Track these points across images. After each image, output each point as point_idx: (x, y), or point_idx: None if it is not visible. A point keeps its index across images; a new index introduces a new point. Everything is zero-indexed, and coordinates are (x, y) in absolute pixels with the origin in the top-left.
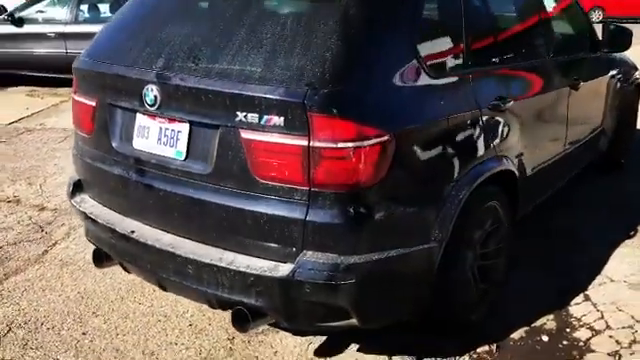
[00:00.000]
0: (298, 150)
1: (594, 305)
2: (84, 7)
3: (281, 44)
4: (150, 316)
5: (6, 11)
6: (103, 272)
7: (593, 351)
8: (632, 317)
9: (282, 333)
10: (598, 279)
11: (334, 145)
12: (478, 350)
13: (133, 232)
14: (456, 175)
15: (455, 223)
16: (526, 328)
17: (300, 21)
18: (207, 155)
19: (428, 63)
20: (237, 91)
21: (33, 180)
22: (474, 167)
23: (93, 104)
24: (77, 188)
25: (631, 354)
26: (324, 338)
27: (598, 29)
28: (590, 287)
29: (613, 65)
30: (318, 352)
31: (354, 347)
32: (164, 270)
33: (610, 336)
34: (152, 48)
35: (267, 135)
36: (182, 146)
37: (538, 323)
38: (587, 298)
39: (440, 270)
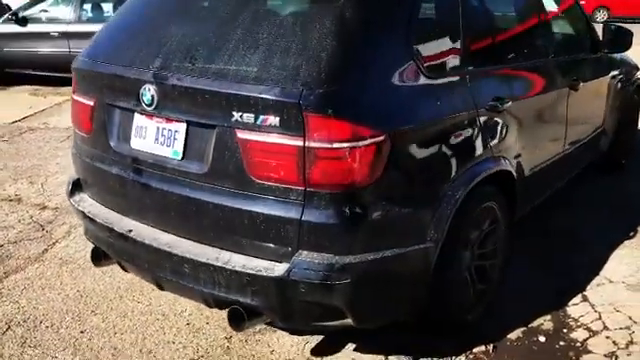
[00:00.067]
0: (294, 150)
1: (592, 306)
2: (87, 6)
3: (277, 44)
4: (148, 315)
5: (10, 10)
6: (102, 271)
7: (590, 352)
8: (629, 318)
9: (279, 332)
10: (597, 280)
11: (329, 145)
12: (474, 350)
13: (130, 231)
14: (452, 175)
15: (451, 223)
16: (523, 328)
17: (296, 21)
18: (204, 155)
19: (425, 63)
20: (233, 91)
21: (35, 179)
22: (471, 168)
23: (92, 104)
24: (76, 187)
25: (628, 355)
26: (321, 337)
27: (599, 29)
28: (588, 288)
29: (614, 65)
30: (315, 351)
31: (351, 347)
32: (161, 269)
33: (607, 337)
34: (150, 48)
35: (263, 135)
36: (179, 146)
37: (535, 323)
38: (585, 299)
39: (436, 270)
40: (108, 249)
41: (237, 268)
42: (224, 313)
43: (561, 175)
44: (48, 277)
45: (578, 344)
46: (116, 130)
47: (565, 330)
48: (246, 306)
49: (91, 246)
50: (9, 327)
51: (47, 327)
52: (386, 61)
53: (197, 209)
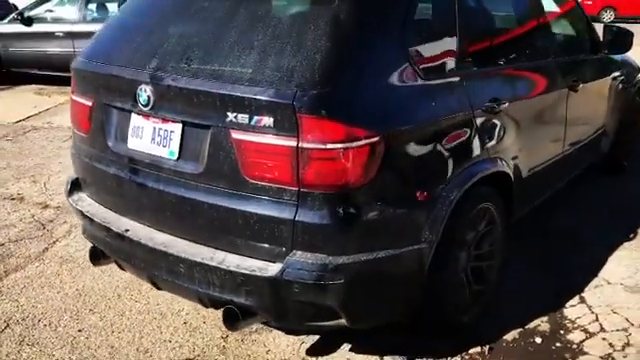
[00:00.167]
0: (287, 151)
1: (589, 307)
2: (92, 6)
3: (272, 46)
4: (146, 314)
5: (17, 9)
6: (102, 270)
7: (586, 353)
8: (627, 320)
9: (275, 332)
10: (595, 281)
11: (323, 146)
12: (470, 351)
13: (127, 231)
14: (447, 176)
15: (446, 224)
16: (520, 329)
17: (291, 23)
18: (199, 155)
19: (420, 65)
20: (228, 92)
21: (37, 178)
22: (466, 169)
23: (90, 104)
24: (75, 187)
25: (624, 357)
26: (316, 337)
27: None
28: (586, 289)
29: (615, 67)
30: (310, 351)
31: (346, 347)
32: (157, 269)
33: (604, 338)
34: (146, 49)
35: (257, 136)
36: (175, 146)
37: (532, 325)
38: (583, 300)
39: (431, 271)
40: (105, 248)
41: (231, 268)
42: (220, 313)
43: (560, 176)
44: (48, 276)
45: (574, 346)
46: (114, 130)
47: (562, 331)
48: (240, 306)
49: (90, 245)
50: (8, 325)
51: (45, 325)
52: (380, 62)
53: (192, 209)
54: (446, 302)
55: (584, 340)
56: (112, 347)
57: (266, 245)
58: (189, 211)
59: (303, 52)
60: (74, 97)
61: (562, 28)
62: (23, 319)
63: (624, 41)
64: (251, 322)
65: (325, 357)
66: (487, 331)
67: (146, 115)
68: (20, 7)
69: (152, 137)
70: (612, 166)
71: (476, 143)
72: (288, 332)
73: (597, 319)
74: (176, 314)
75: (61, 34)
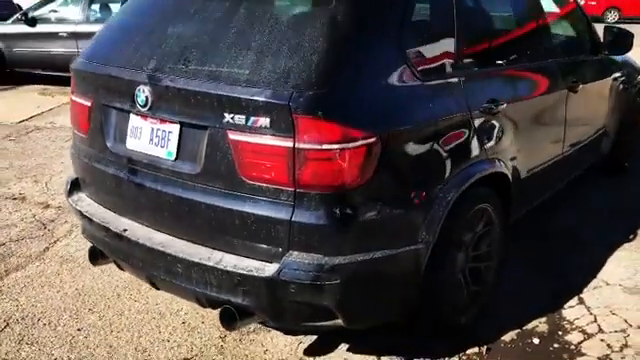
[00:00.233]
0: (284, 151)
1: (588, 308)
2: (95, 7)
3: (269, 47)
4: (145, 313)
5: (21, 10)
6: (101, 269)
7: (584, 354)
8: (625, 321)
9: (273, 332)
10: (594, 282)
11: (319, 147)
12: (468, 352)
13: (125, 231)
14: (445, 177)
15: (443, 225)
16: (517, 330)
17: (288, 24)
18: (196, 156)
19: (417, 66)
20: (225, 93)
21: (39, 178)
22: (463, 169)
23: (89, 104)
24: (75, 187)
25: (622, 358)
26: (314, 338)
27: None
28: (585, 290)
29: (616, 67)
30: (308, 351)
31: (343, 347)
32: (155, 268)
33: (602, 340)
34: (145, 49)
35: (254, 136)
36: (173, 146)
37: (530, 326)
38: (581, 301)
39: (428, 272)
40: (104, 248)
41: (228, 268)
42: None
43: (560, 177)
44: (48, 275)
45: (572, 347)
46: (112, 131)
47: (560, 332)
48: (238, 306)
49: (90, 245)
50: (7, 324)
51: (45, 324)
52: (377, 64)
53: (190, 209)
54: (443, 303)
55: (582, 341)
56: (111, 346)
57: (263, 245)
58: (187, 211)
59: (300, 53)
60: (74, 97)
61: (562, 29)
62: (23, 318)
63: (624, 42)
64: (248, 322)
65: (322, 357)
66: (485, 332)
67: (144, 116)
68: (24, 7)
69: (150, 137)
70: (613, 167)
71: (474, 144)
72: (286, 332)
73: (595, 320)
74: (175, 314)
75: (65, 34)
